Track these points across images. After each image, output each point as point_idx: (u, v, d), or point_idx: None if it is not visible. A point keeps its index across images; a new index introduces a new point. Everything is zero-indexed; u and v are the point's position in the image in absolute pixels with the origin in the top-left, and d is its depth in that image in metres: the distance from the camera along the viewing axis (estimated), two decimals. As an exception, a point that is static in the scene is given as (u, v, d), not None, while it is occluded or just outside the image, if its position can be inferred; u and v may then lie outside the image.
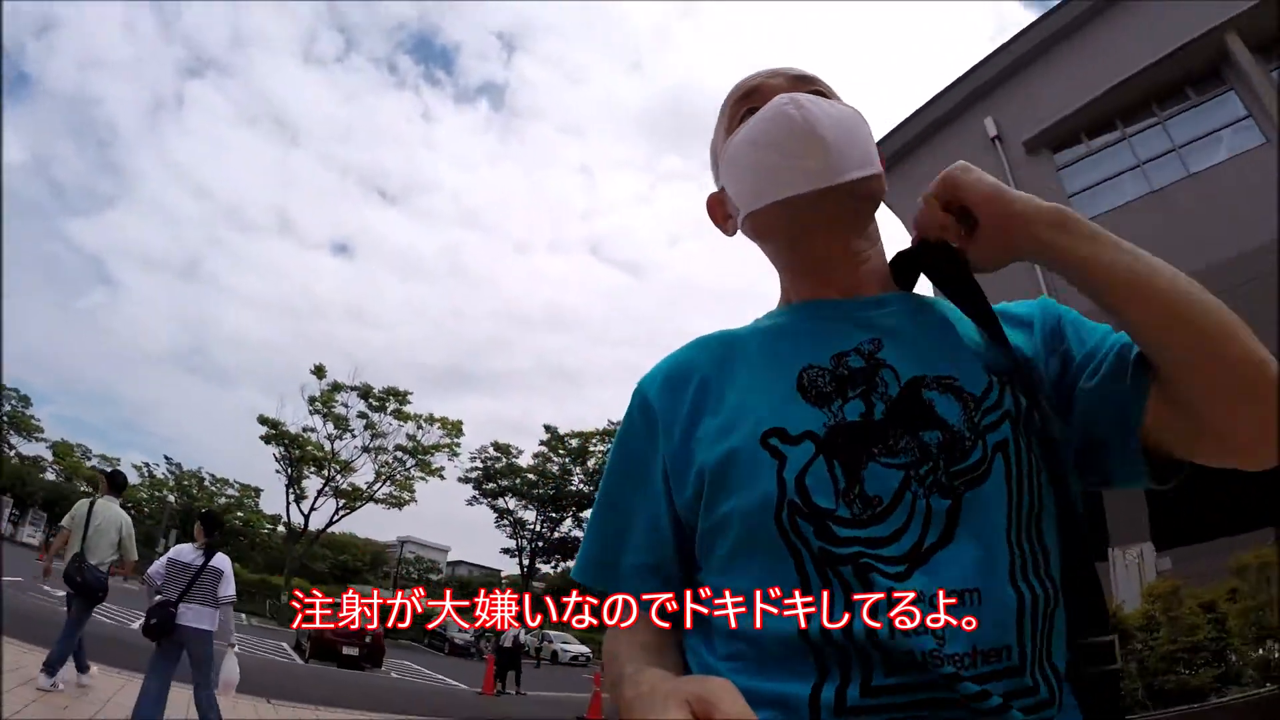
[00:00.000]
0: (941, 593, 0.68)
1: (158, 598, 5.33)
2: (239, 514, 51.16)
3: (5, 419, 50.15)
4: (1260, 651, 4.01)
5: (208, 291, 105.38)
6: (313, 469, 35.81)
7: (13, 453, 51.51)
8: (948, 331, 0.84)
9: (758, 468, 0.75)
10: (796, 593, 0.71)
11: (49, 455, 53.85)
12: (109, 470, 7.81)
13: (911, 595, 0.68)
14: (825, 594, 0.70)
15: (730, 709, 0.54)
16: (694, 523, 0.82)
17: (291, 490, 36.46)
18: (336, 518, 38.17)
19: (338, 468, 35.80)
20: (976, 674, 0.67)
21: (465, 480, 40.97)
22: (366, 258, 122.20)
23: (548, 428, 39.78)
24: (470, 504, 41.25)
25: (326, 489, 36.15)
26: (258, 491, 51.91)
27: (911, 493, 0.72)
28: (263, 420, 35.58)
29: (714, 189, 1.02)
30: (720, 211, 1.00)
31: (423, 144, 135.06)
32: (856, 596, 0.69)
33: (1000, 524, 0.71)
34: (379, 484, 37.30)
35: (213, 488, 52.36)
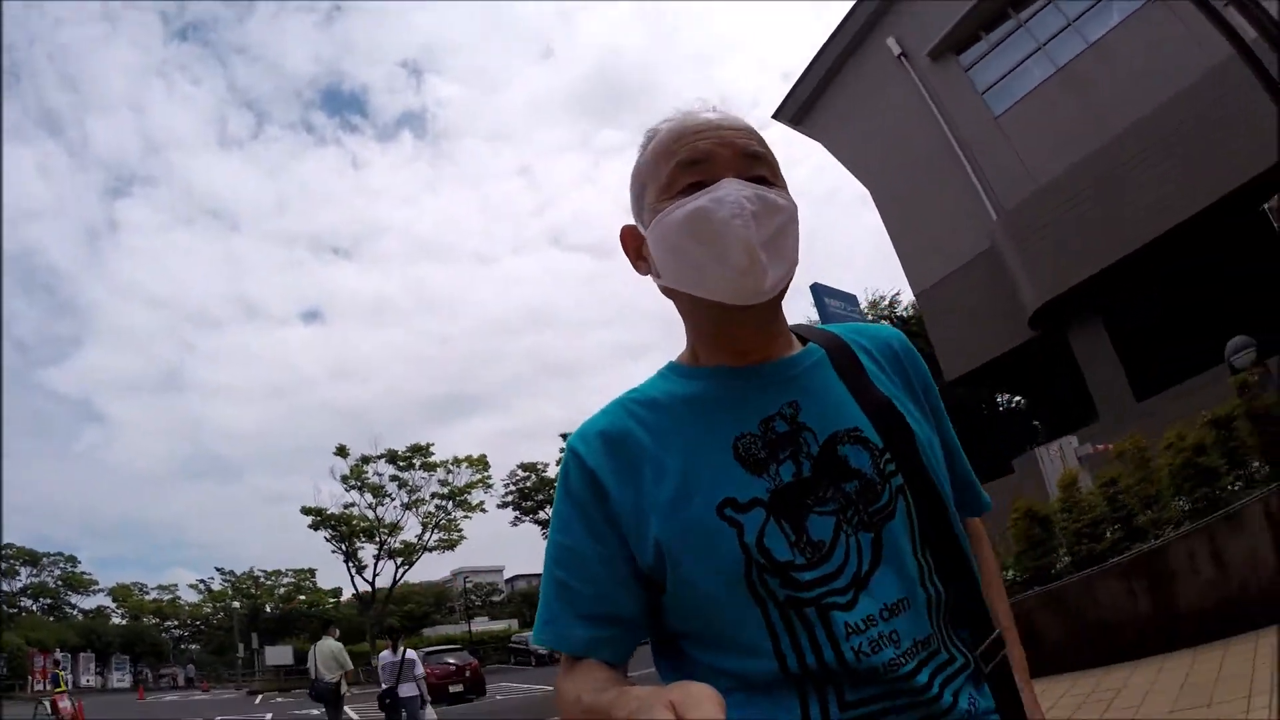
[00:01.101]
0: (884, 608, 0.85)
1: (383, 686, 9.65)
2: (301, 597, 53.11)
3: (60, 582, 51.95)
4: (1149, 513, 5.16)
5: (193, 397, 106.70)
6: (363, 539, 37.50)
7: (75, 610, 53.32)
8: (843, 390, 0.95)
9: (719, 537, 0.85)
10: (767, 638, 0.84)
11: (110, 602, 55.65)
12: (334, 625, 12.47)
13: (868, 621, 0.83)
14: (795, 637, 0.83)
15: (709, 711, 0.59)
16: (660, 583, 0.90)
17: (350, 564, 38.47)
18: (399, 577, 39.95)
19: (386, 531, 37.69)
20: (919, 660, 0.85)
21: (504, 506, 42.78)
22: (338, 317, 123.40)
23: (564, 435, 41.13)
24: (514, 524, 43.11)
25: (381, 554, 37.98)
26: (311, 572, 53.77)
27: (844, 533, 0.86)
28: (305, 510, 37.45)
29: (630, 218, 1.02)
30: (634, 247, 1.00)
31: (359, 192, 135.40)
32: (821, 634, 0.83)
33: (907, 546, 0.88)
34: (427, 534, 38.98)
35: (268, 581, 54.10)
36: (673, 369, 1.01)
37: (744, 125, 0.95)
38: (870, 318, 23.29)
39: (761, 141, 0.95)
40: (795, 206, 0.92)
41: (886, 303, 23.07)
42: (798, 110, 19.41)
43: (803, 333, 1.04)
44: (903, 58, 16.86)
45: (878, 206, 18.07)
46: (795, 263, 0.92)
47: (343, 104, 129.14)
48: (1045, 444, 8.61)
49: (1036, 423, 15.60)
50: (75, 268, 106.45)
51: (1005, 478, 12.71)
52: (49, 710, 17.12)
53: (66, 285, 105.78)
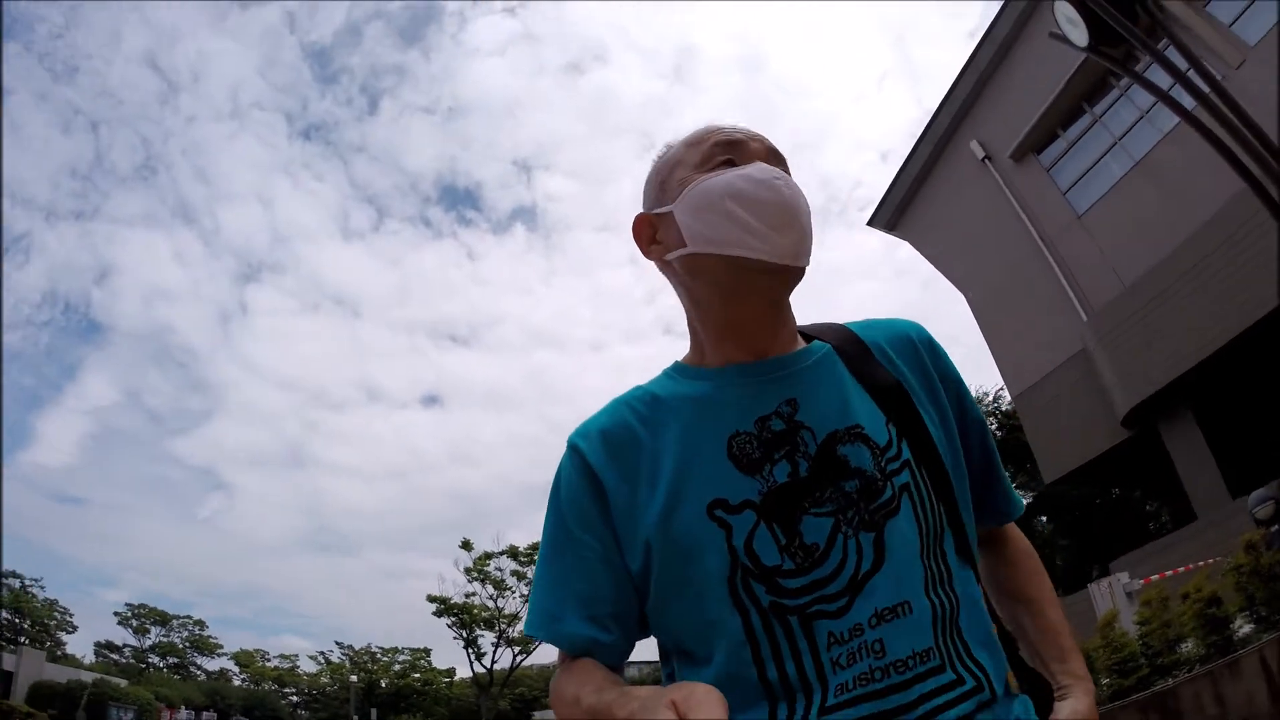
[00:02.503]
0: (875, 614, 0.83)
1: None
2: (416, 675, 55.25)
3: (187, 643, 56.33)
4: (1171, 655, 5.87)
5: (315, 473, 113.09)
6: (483, 628, 40.85)
7: (200, 672, 57.26)
8: (848, 383, 0.96)
9: (707, 538, 0.87)
10: (746, 646, 0.85)
11: (233, 665, 59.47)
12: None
13: (853, 631, 0.83)
14: (775, 645, 0.84)
15: (712, 711, 0.61)
16: (644, 586, 0.92)
17: (469, 650, 41.68)
18: (517, 664, 42.13)
19: (506, 622, 40.72)
20: (910, 676, 0.82)
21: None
22: (456, 403, 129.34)
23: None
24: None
25: (500, 641, 41.07)
26: (427, 651, 56.08)
27: (843, 534, 0.86)
28: (431, 599, 41.02)
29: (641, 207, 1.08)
30: (648, 233, 1.04)
31: (475, 282, 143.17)
32: (803, 644, 0.84)
33: (915, 545, 0.87)
34: None
35: (384, 658, 56.59)
36: (677, 369, 1.04)
37: (769, 138, 1.03)
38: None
39: (782, 155, 1.03)
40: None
41: (991, 398, 23.18)
42: (891, 215, 20.48)
43: (810, 331, 1.05)
44: (986, 160, 17.66)
45: (971, 309, 18.68)
46: (811, 252, 0.95)
47: (458, 199, 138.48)
48: (1097, 580, 9.15)
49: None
50: (207, 347, 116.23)
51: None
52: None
53: (199, 362, 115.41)
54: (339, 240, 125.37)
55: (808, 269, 0.97)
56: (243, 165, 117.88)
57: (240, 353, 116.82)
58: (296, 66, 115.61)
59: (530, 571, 40.16)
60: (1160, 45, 7.62)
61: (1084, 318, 14.98)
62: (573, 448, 0.99)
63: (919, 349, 1.03)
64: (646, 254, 1.06)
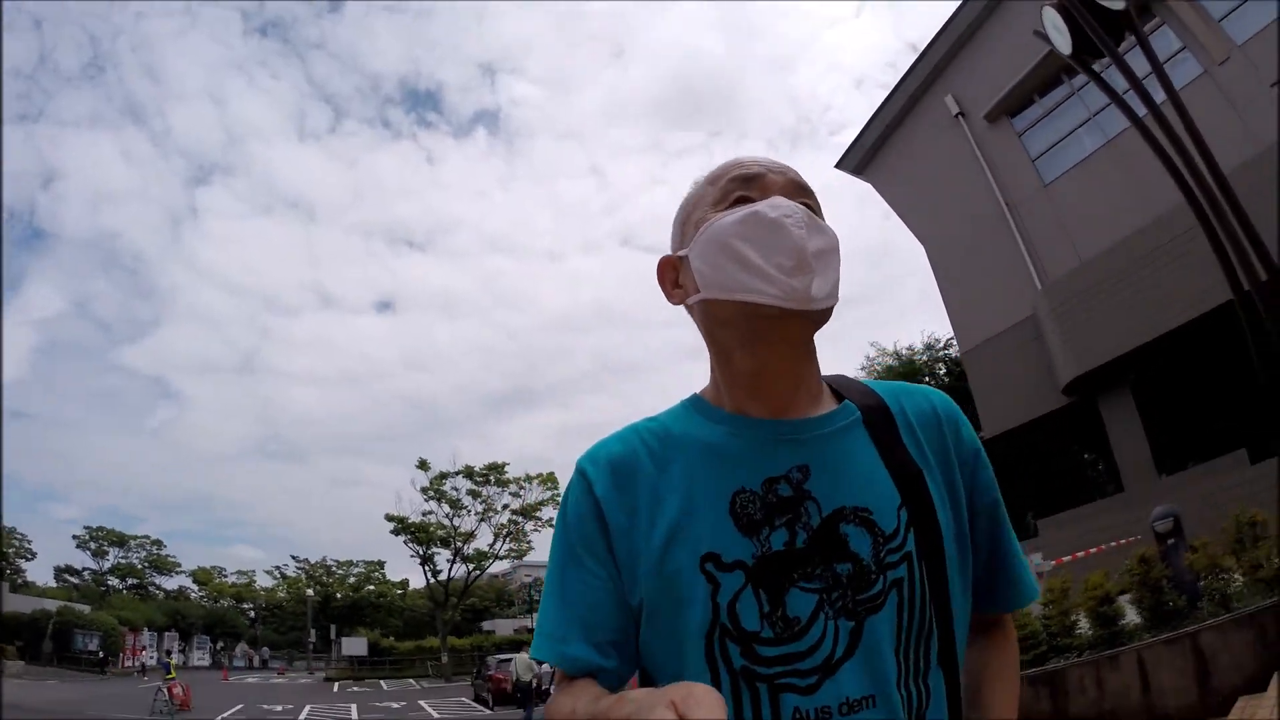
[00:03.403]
0: (845, 703, 0.86)
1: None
2: (370, 587, 57.55)
3: (146, 564, 57.68)
4: (1066, 639, 7.08)
5: (267, 380, 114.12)
6: (439, 545, 42.58)
7: (160, 592, 58.83)
8: (869, 460, 0.95)
9: (694, 589, 0.89)
10: None
11: (192, 584, 61.21)
12: None
13: (821, 713, 0.85)
14: (740, 710, 0.87)
15: (712, 711, 0.62)
16: (638, 619, 0.95)
17: (425, 567, 43.34)
18: (471, 580, 43.83)
19: (461, 540, 42.41)
20: None
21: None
22: (410, 308, 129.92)
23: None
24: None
25: (455, 559, 42.90)
26: (381, 564, 58.37)
27: (824, 614, 0.87)
28: (389, 518, 42.09)
29: (669, 249, 1.06)
30: (671, 276, 1.04)
31: (434, 186, 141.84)
32: (767, 714, 0.86)
33: (890, 643, 0.88)
34: (499, 543, 43.28)
35: (339, 570, 58.57)
36: (695, 405, 1.03)
37: (792, 169, 1.01)
38: (925, 359, 24.78)
39: (807, 186, 1.01)
40: (837, 237, 0.96)
41: (941, 346, 24.41)
42: (860, 159, 21.10)
43: (840, 388, 1.04)
44: (960, 116, 18.35)
45: (930, 260, 19.65)
46: (837, 294, 0.94)
47: (419, 101, 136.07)
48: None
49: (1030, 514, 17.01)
50: (157, 252, 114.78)
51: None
52: (167, 696, 20.16)
53: (148, 269, 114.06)
54: (294, 141, 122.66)
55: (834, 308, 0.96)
56: (195, 62, 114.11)
57: (191, 257, 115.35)
58: None
59: (485, 491, 42.16)
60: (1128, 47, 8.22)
61: (1038, 285, 16.05)
62: (581, 473, 1.00)
63: (943, 426, 1.01)
64: (670, 298, 1.05)
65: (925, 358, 25.11)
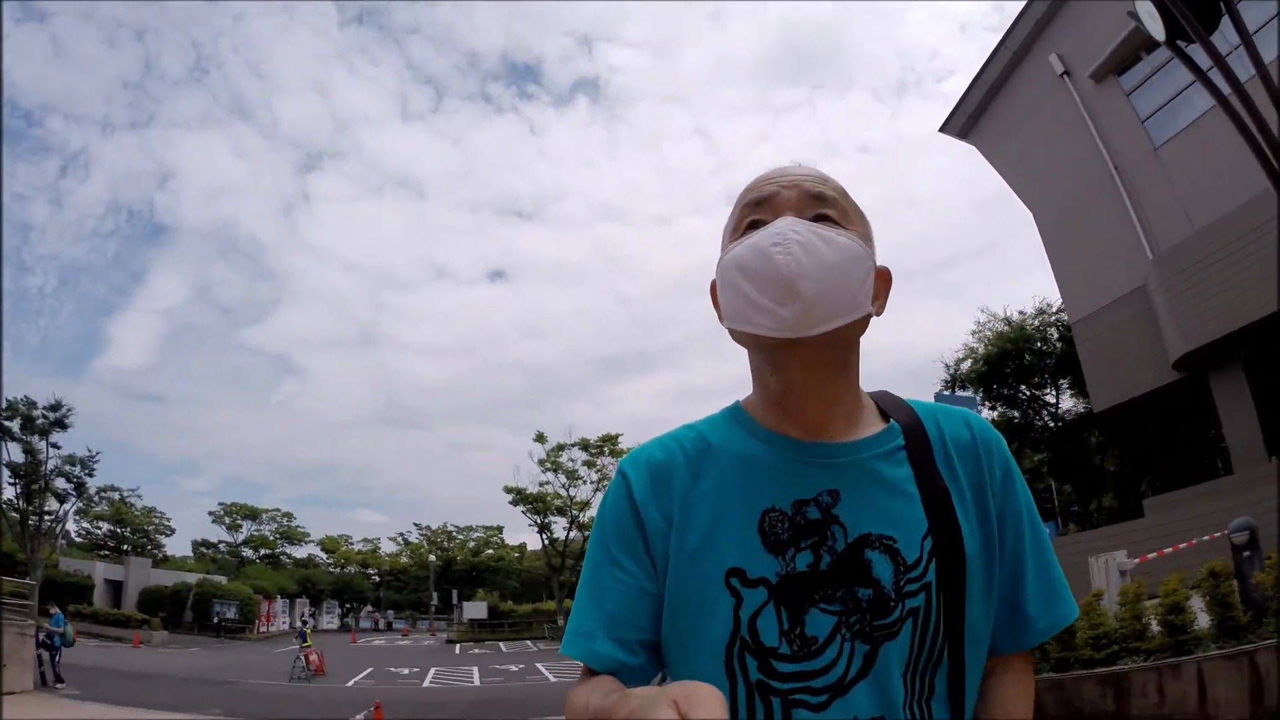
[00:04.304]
0: (855, 719, 0.91)
1: None
2: (489, 551, 61.31)
3: (278, 535, 63.03)
4: (1138, 642, 7.68)
5: (386, 351, 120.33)
6: (556, 515, 46.31)
7: (289, 560, 64.14)
8: (900, 488, 0.99)
9: (718, 602, 0.94)
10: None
11: (320, 552, 66.48)
12: None
13: None
14: (754, 718, 0.92)
15: (713, 711, 0.64)
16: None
17: (543, 535, 47.11)
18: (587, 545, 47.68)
19: (578, 509, 45.91)
20: None
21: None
22: (522, 277, 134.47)
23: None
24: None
25: (572, 526, 46.31)
26: (500, 529, 62.40)
27: (841, 636, 0.93)
28: (508, 489, 45.90)
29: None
30: (717, 299, 1.07)
31: (539, 157, 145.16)
32: None
33: (900, 667, 0.94)
34: None
35: (459, 536, 62.53)
36: (735, 415, 1.09)
37: (816, 173, 1.04)
38: (1036, 325, 24.57)
39: (836, 187, 1.03)
40: (861, 249, 0.96)
41: (1054, 310, 24.09)
42: (965, 122, 21.11)
43: (887, 407, 1.08)
44: (1065, 76, 18.14)
45: (1038, 227, 19.61)
46: (856, 307, 0.95)
47: (518, 74, 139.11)
48: (1095, 555, 10.76)
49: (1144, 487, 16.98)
50: (273, 237, 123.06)
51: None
52: (304, 662, 22.59)
53: (265, 253, 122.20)
54: (399, 122, 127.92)
55: (872, 318, 1.01)
56: (296, 56, 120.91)
57: (306, 240, 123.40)
58: None
59: (600, 461, 45.32)
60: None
61: (1149, 255, 15.98)
62: (622, 475, 1.06)
63: (978, 451, 1.04)
64: (719, 317, 1.06)
65: (1036, 323, 24.90)
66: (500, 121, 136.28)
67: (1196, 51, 8.27)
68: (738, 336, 1.03)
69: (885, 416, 1.06)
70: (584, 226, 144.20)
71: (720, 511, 0.99)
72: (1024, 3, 18.97)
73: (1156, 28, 8.39)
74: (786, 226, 0.94)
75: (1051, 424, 26.45)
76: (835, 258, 0.93)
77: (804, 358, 0.97)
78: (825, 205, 0.99)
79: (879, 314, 1.04)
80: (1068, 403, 26.13)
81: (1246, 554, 7.65)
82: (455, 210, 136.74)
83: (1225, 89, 8.25)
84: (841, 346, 0.99)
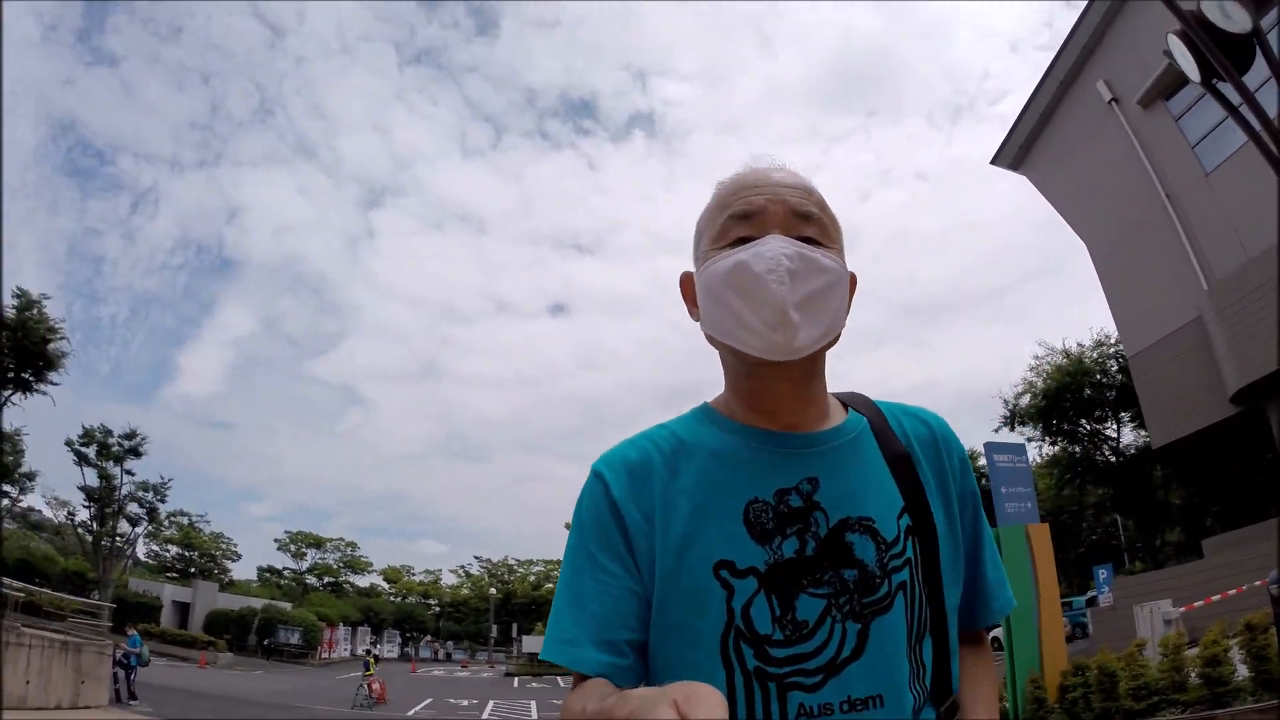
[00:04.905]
0: (847, 701, 0.94)
1: None
2: (549, 585, 61.69)
3: (341, 564, 64.47)
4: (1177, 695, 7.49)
5: (448, 384, 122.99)
6: None
7: (353, 589, 65.46)
8: (872, 473, 1.04)
9: (710, 595, 0.96)
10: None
11: (383, 582, 67.69)
12: None
13: (823, 709, 0.93)
14: (751, 707, 0.94)
15: (713, 710, 0.64)
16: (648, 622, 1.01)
17: None
18: None
19: None
20: None
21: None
22: (582, 310, 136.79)
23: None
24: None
25: None
26: (559, 563, 62.63)
27: (831, 618, 0.95)
28: (569, 526, 47.20)
29: (690, 262, 1.13)
30: (690, 294, 1.12)
31: (597, 191, 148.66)
32: (775, 711, 0.94)
33: (902, 643, 0.97)
34: None
35: (520, 569, 63.06)
36: (706, 414, 1.11)
37: (802, 184, 1.06)
38: (1095, 357, 23.96)
39: (818, 201, 1.06)
40: (842, 270, 1.02)
41: (1113, 342, 23.45)
42: (1015, 154, 20.98)
43: (850, 403, 1.13)
44: (1113, 103, 17.90)
45: (1092, 258, 19.29)
46: (836, 326, 1.01)
47: (574, 110, 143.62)
48: (1140, 603, 10.50)
49: (1210, 517, 16.34)
50: (337, 272, 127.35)
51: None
52: (366, 691, 23.03)
53: (330, 287, 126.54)
54: (458, 159, 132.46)
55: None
56: (357, 97, 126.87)
57: (370, 275, 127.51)
58: None
59: None
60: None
61: (1204, 286, 15.58)
62: (596, 475, 1.07)
63: (938, 444, 1.11)
64: (690, 313, 1.12)
65: (1095, 355, 24.25)
66: (558, 157, 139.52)
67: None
68: (720, 349, 1.08)
69: (847, 410, 1.12)
70: (642, 259, 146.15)
71: (702, 505, 1.00)
72: (1070, 26, 18.82)
73: (1191, 68, 8.31)
74: (779, 250, 0.97)
75: (1113, 459, 25.62)
76: (822, 282, 0.98)
77: (785, 374, 1.02)
78: (810, 224, 1.03)
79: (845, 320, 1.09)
80: (1129, 436, 25.31)
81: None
82: (515, 244, 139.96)
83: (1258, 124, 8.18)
84: (817, 360, 1.05)
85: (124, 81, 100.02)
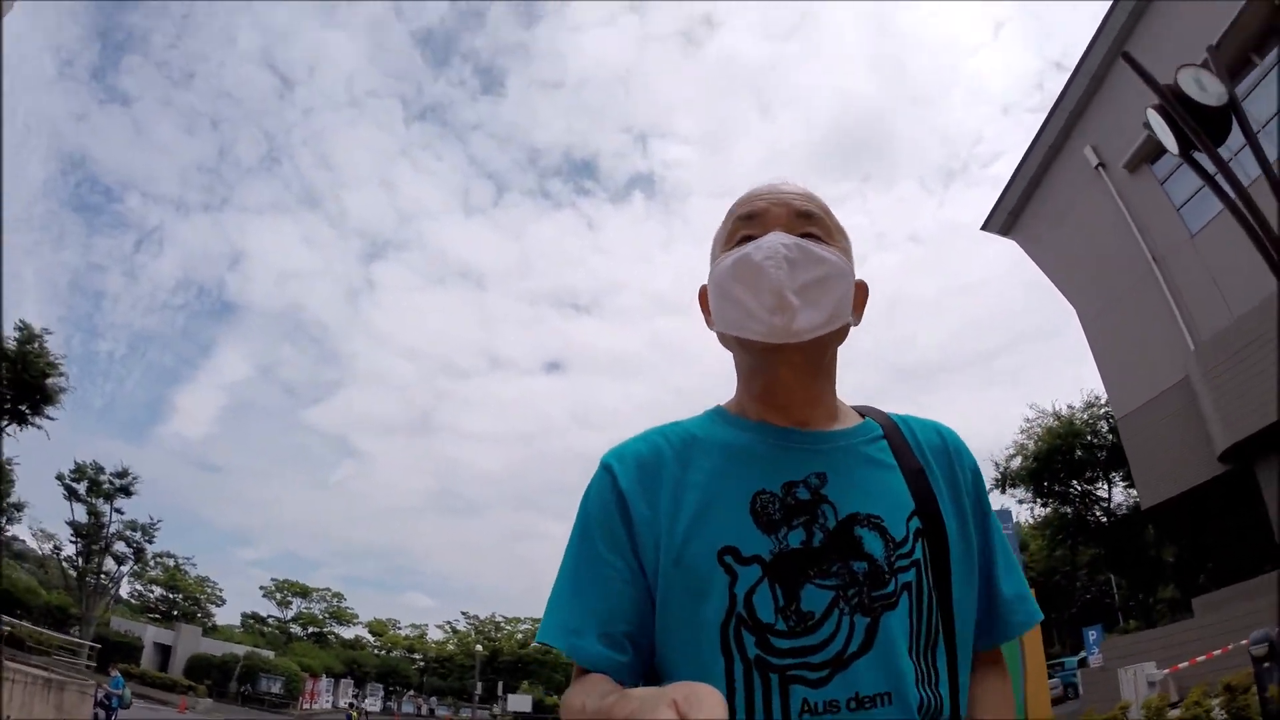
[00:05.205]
0: (854, 698, 0.91)
1: None
2: (535, 643, 60.51)
3: (327, 614, 63.45)
4: None
5: (443, 439, 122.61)
6: None
7: (336, 639, 64.39)
8: (882, 474, 1.04)
9: (712, 581, 0.95)
10: (724, 692, 0.89)
11: (368, 634, 66.58)
12: None
13: (829, 706, 0.91)
14: (751, 698, 0.92)
15: (713, 711, 0.64)
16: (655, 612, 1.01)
17: None
18: None
19: None
20: None
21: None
22: (578, 369, 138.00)
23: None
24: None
25: None
26: None
27: (839, 610, 0.94)
28: None
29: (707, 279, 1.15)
30: (707, 305, 1.14)
31: (595, 251, 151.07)
32: (776, 704, 0.91)
33: (904, 643, 0.94)
34: None
35: (507, 627, 62.10)
36: (719, 413, 1.14)
37: (803, 190, 1.12)
38: (1085, 419, 24.18)
39: (821, 206, 1.11)
40: (844, 265, 1.06)
41: (1103, 403, 23.69)
42: (1005, 219, 21.46)
43: (865, 412, 1.16)
44: (1100, 168, 18.36)
45: (1081, 321, 19.61)
46: (839, 317, 1.04)
47: (575, 170, 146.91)
48: (1123, 666, 10.56)
49: (1203, 574, 16.39)
50: (338, 322, 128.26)
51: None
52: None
53: (329, 336, 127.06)
54: (461, 216, 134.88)
55: (852, 327, 1.11)
56: (363, 150, 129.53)
57: (369, 326, 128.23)
58: (407, 53, 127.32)
59: None
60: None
61: (1191, 346, 15.80)
62: (605, 468, 1.08)
63: (949, 453, 1.12)
64: (708, 324, 1.15)
65: (1086, 416, 24.46)
66: (559, 216, 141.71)
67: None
68: (725, 340, 1.12)
69: (862, 417, 1.13)
70: (640, 319, 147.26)
71: (711, 496, 1.01)
72: (1060, 90, 19.39)
73: (1169, 140, 8.58)
74: (778, 241, 1.02)
75: (1104, 519, 25.62)
76: (821, 272, 1.01)
77: (789, 361, 1.04)
78: (811, 223, 1.07)
79: (857, 324, 1.13)
80: (1120, 496, 25.37)
81: (1266, 665, 7.49)
82: (514, 301, 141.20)
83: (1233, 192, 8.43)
84: (822, 352, 1.07)
85: (135, 121, 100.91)
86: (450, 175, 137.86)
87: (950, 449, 1.12)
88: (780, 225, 1.06)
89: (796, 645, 0.93)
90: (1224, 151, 8.17)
